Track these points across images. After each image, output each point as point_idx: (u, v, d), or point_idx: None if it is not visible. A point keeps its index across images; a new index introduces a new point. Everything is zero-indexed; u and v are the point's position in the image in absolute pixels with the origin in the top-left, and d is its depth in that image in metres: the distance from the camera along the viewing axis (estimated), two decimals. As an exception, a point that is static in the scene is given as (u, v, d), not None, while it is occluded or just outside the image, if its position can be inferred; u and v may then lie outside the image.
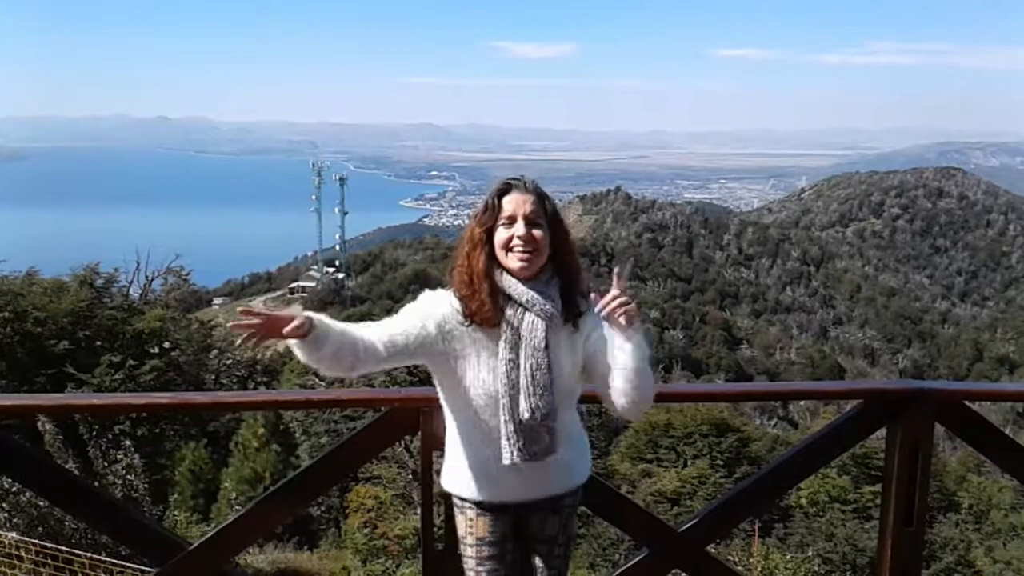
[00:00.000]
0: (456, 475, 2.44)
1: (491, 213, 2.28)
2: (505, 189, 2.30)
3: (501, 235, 2.27)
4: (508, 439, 2.26)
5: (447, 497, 2.54)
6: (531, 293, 2.25)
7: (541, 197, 2.30)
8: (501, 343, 2.25)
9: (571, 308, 2.31)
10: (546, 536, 2.46)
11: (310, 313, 2.22)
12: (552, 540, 2.47)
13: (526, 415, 2.23)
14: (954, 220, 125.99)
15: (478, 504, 2.40)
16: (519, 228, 2.25)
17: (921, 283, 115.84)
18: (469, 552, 2.44)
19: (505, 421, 2.25)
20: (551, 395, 2.23)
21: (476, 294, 2.25)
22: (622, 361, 2.24)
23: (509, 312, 2.26)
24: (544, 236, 2.27)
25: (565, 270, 2.33)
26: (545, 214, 2.29)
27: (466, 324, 2.27)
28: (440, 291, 2.36)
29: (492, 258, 2.28)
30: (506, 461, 2.27)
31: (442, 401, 2.43)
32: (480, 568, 2.43)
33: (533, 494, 2.39)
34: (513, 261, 2.26)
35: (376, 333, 2.27)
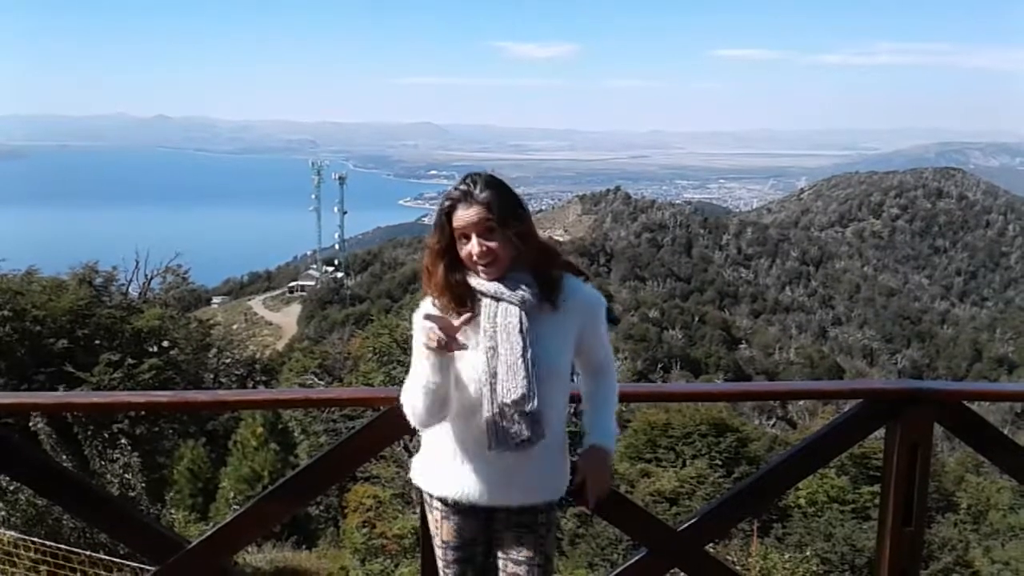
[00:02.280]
0: (425, 469, 2.46)
1: (442, 233, 2.29)
2: (451, 207, 2.28)
3: (462, 250, 2.28)
4: (488, 427, 2.26)
5: (419, 492, 2.55)
6: (496, 285, 2.27)
7: (487, 205, 2.24)
8: (480, 334, 2.27)
9: (546, 288, 2.31)
10: (523, 557, 2.42)
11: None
12: (529, 561, 2.42)
13: (504, 398, 2.22)
14: (953, 220, 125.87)
15: (443, 503, 2.40)
16: (474, 245, 2.25)
17: (920, 283, 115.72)
18: (438, 553, 2.47)
19: (485, 409, 2.26)
20: (529, 379, 2.22)
21: (442, 301, 2.31)
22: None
23: (484, 305, 2.28)
24: (501, 242, 2.26)
25: (531, 256, 2.31)
26: (497, 219, 2.24)
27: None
28: (422, 304, 2.38)
29: (455, 266, 2.30)
30: (489, 449, 2.27)
31: None
32: (447, 571, 2.46)
33: (498, 499, 2.37)
34: (479, 273, 2.29)
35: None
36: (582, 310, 2.37)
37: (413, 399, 2.31)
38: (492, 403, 2.25)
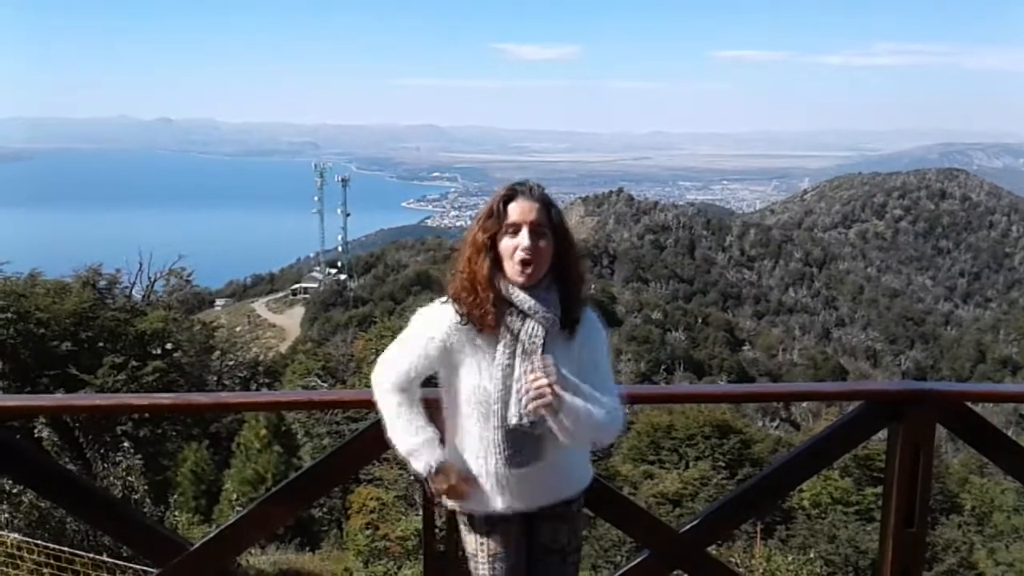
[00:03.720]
0: None
1: (496, 219, 2.25)
2: (511, 195, 2.27)
3: (506, 243, 2.24)
4: (496, 446, 2.25)
5: (453, 512, 2.52)
6: (532, 300, 2.23)
7: (547, 205, 2.27)
8: (500, 348, 2.24)
9: (569, 315, 2.30)
10: (559, 547, 2.45)
11: (438, 459, 2.33)
12: (564, 550, 2.46)
13: (513, 421, 2.22)
14: (957, 221, 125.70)
15: (487, 518, 2.37)
16: (523, 239, 2.22)
17: (924, 284, 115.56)
18: (482, 570, 2.41)
19: (495, 427, 2.24)
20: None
21: (478, 300, 2.24)
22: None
23: (509, 318, 2.24)
24: (548, 246, 2.25)
25: (567, 277, 2.31)
26: (550, 222, 2.26)
27: (464, 324, 2.26)
28: (433, 306, 2.34)
29: (495, 264, 2.26)
30: (491, 469, 2.28)
31: (445, 413, 2.41)
32: None
33: (542, 500, 2.37)
34: (514, 271, 2.24)
35: (405, 384, 2.36)
36: (589, 338, 2.37)
37: (393, 415, 2.36)
38: (503, 422, 2.24)
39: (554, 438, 2.28)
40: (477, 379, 2.26)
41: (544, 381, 2.14)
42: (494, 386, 2.23)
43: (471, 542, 2.42)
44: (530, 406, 2.16)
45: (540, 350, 2.21)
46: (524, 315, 2.24)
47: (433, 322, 2.31)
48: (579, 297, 2.32)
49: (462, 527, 2.46)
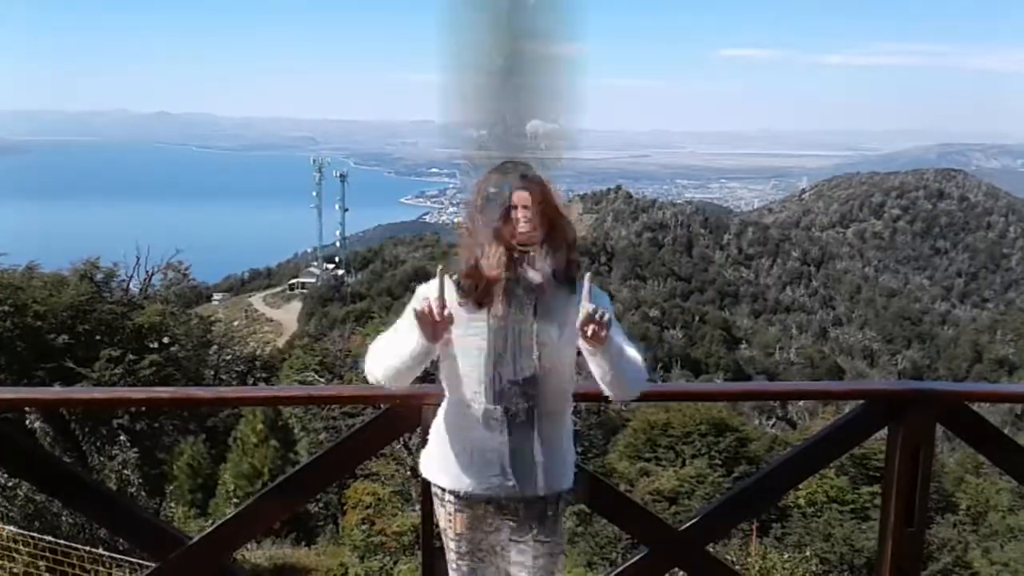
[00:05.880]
0: (436, 462, 2.44)
1: (502, 204, 2.29)
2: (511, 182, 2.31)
3: (506, 224, 2.28)
4: (489, 401, 2.28)
5: (427, 485, 2.54)
6: (524, 260, 2.28)
7: (535, 183, 2.30)
8: (495, 307, 2.28)
9: (566, 271, 2.33)
10: (531, 541, 2.42)
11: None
12: (539, 543, 2.43)
13: (509, 376, 2.25)
14: (954, 222, 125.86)
15: (456, 496, 2.39)
16: (520, 222, 2.27)
17: (921, 284, 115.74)
18: (450, 545, 2.45)
19: (486, 387, 2.28)
20: (533, 360, 2.25)
21: (472, 281, 2.28)
22: (596, 371, 2.32)
23: (498, 285, 2.28)
24: (539, 221, 2.28)
25: (557, 239, 2.33)
26: (542, 199, 2.29)
27: (461, 302, 2.29)
28: (433, 281, 2.36)
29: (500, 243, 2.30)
30: (479, 439, 2.30)
31: (442, 384, 2.44)
32: (460, 563, 2.44)
33: (512, 491, 2.35)
34: (513, 241, 2.28)
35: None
36: (593, 297, 2.37)
37: (386, 357, 2.34)
38: (496, 382, 2.27)
39: (544, 411, 2.31)
40: (473, 339, 2.30)
41: (599, 314, 2.17)
42: (489, 344, 2.27)
43: (441, 516, 2.46)
44: (587, 329, 2.17)
45: (534, 308, 2.26)
46: (517, 281, 2.29)
47: (428, 288, 2.34)
48: (574, 257, 2.37)
49: (435, 499, 2.48)
